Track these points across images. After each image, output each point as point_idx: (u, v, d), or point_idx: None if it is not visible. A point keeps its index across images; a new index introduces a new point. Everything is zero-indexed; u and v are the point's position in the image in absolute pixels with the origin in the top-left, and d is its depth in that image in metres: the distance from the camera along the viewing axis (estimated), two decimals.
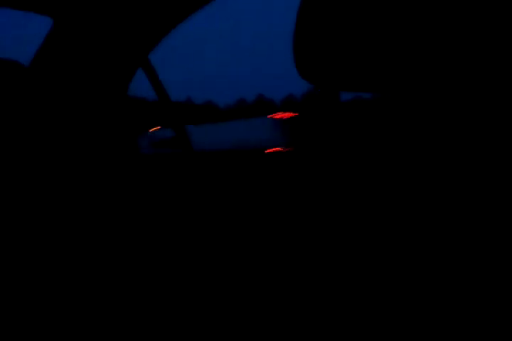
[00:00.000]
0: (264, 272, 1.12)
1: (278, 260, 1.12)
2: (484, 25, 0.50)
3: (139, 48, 1.46)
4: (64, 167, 1.31)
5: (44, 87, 1.33)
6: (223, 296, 1.12)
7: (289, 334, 1.02)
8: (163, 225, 1.31)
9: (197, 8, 1.33)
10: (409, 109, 0.93)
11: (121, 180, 1.40)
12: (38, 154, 1.26)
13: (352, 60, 0.57)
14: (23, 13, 1.37)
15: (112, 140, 1.48)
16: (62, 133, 1.35)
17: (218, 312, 1.10)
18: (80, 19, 1.37)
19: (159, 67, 1.58)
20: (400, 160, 0.97)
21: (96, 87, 1.45)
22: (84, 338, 1.10)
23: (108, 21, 1.38)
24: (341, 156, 1.12)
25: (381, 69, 0.57)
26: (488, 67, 0.55)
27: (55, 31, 1.39)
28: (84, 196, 1.29)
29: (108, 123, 1.49)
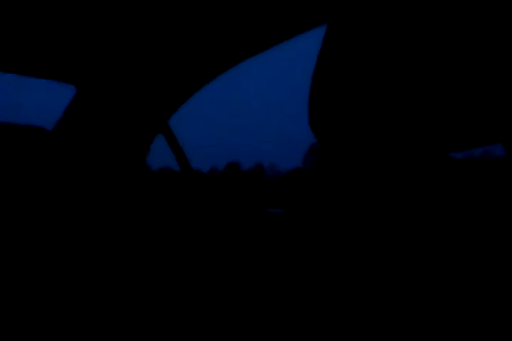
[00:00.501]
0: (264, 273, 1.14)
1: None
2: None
3: (158, 114, 1.50)
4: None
5: (66, 152, 1.37)
6: (223, 297, 1.13)
7: (289, 334, 1.01)
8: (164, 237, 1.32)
9: (217, 74, 1.38)
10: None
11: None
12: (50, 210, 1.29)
13: (368, 124, 0.57)
14: (49, 81, 1.43)
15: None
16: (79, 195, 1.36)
17: (218, 312, 1.10)
18: (102, 87, 1.42)
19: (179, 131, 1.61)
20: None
21: (116, 152, 1.48)
22: (84, 338, 1.09)
23: (129, 89, 1.42)
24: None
25: (398, 136, 0.57)
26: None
27: (78, 99, 1.44)
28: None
29: (125, 188, 1.51)
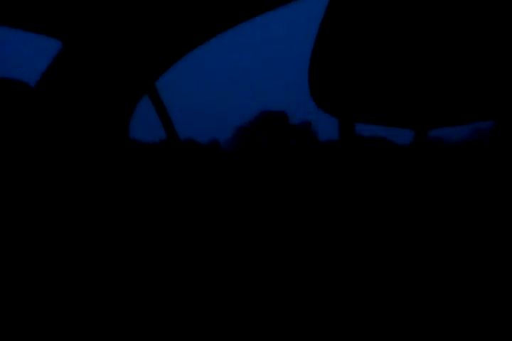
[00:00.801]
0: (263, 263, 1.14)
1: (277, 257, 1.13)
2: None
3: (146, 74, 1.47)
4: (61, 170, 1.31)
5: (49, 108, 1.33)
6: (222, 294, 1.12)
7: (289, 334, 1.01)
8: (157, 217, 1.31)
9: (214, 34, 1.33)
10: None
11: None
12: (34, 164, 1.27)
13: (369, 91, 0.56)
14: (34, 35, 1.38)
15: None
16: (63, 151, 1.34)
17: (218, 311, 1.09)
18: (89, 43, 1.38)
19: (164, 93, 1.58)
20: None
21: (101, 111, 1.45)
22: (84, 338, 1.08)
23: (117, 46, 1.39)
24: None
25: (397, 102, 0.56)
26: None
27: (63, 54, 1.40)
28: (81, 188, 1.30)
29: (109, 147, 1.49)
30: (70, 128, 1.39)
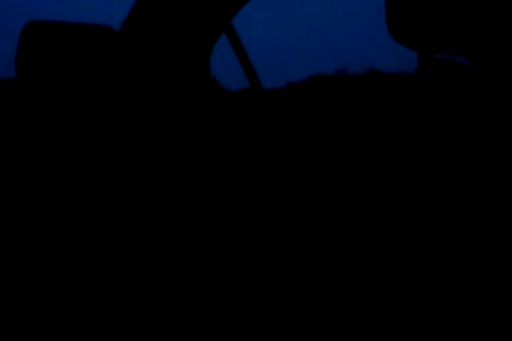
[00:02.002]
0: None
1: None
2: None
3: (223, 12, 1.46)
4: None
5: (134, 52, 1.38)
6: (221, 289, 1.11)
7: (288, 334, 1.01)
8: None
9: None
10: None
11: None
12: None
13: (448, 18, 0.53)
14: None
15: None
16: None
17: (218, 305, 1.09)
18: None
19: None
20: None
21: (180, 53, 1.48)
22: (84, 338, 1.09)
23: None
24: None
25: (478, 30, 0.53)
26: None
27: None
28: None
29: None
30: (153, 71, 1.43)
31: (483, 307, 0.82)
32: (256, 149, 1.28)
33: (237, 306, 1.08)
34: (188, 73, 1.49)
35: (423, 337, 0.88)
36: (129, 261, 1.19)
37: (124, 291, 1.15)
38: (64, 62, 1.23)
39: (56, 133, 1.25)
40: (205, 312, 1.09)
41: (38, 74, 1.20)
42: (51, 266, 1.18)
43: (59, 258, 1.19)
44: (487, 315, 0.81)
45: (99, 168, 1.24)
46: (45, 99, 1.27)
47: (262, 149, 1.28)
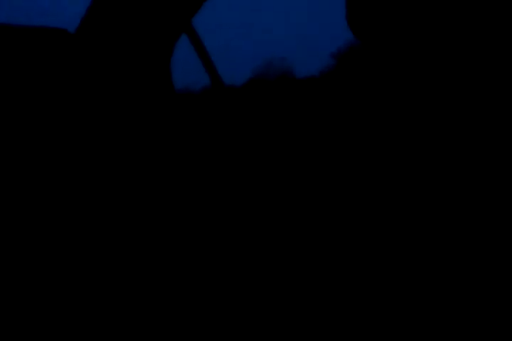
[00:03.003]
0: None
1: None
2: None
3: (182, 12, 1.44)
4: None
5: (90, 53, 1.34)
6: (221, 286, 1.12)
7: (288, 334, 1.01)
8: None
9: None
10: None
11: None
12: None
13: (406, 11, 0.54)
14: None
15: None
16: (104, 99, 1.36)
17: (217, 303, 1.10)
18: None
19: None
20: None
21: (140, 52, 1.45)
22: (84, 338, 1.09)
23: None
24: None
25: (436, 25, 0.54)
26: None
27: None
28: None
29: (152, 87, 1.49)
30: (112, 71, 1.39)
31: (483, 307, 0.84)
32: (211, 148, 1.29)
33: (237, 306, 1.09)
34: (148, 74, 1.46)
35: (423, 337, 0.89)
36: (129, 261, 1.20)
37: (124, 291, 1.16)
38: (18, 64, 1.19)
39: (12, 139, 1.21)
40: (205, 312, 1.09)
41: None
42: (51, 266, 1.18)
43: (59, 258, 1.19)
44: (486, 314, 0.83)
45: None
46: None
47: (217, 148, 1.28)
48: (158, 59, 1.48)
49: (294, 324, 1.02)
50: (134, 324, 1.10)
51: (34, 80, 1.21)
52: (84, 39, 1.37)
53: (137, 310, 1.12)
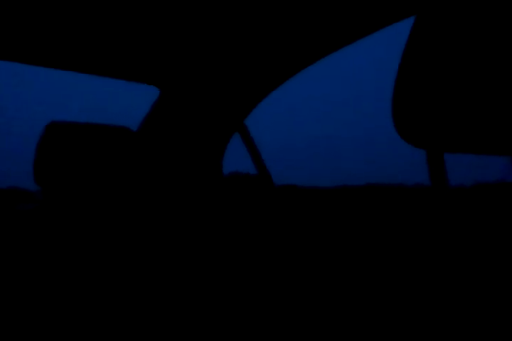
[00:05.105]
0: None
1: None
2: None
3: (235, 113, 1.53)
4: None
5: (150, 151, 1.43)
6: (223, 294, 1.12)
7: (288, 334, 1.00)
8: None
9: (297, 71, 1.37)
10: None
11: None
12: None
13: (459, 117, 0.54)
14: (134, 83, 1.50)
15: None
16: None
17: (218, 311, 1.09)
18: (184, 88, 1.47)
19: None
20: None
21: (195, 152, 1.52)
22: (84, 338, 1.09)
23: (209, 89, 1.46)
24: None
25: (490, 128, 0.54)
26: None
27: (161, 100, 1.50)
28: None
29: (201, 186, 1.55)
30: (169, 168, 1.46)
31: (482, 307, 0.81)
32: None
33: (236, 306, 1.09)
34: (201, 172, 1.52)
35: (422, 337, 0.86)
36: (129, 262, 1.22)
37: (124, 292, 1.16)
38: (83, 161, 1.26)
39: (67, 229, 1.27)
40: (205, 312, 1.10)
41: (57, 174, 1.23)
42: (51, 267, 1.19)
43: (59, 259, 1.20)
44: (485, 314, 0.80)
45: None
46: (62, 197, 1.30)
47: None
48: (211, 157, 1.55)
49: (294, 324, 1.01)
50: (134, 324, 1.11)
51: (106, 174, 1.30)
52: (146, 137, 1.47)
53: (137, 310, 1.13)
